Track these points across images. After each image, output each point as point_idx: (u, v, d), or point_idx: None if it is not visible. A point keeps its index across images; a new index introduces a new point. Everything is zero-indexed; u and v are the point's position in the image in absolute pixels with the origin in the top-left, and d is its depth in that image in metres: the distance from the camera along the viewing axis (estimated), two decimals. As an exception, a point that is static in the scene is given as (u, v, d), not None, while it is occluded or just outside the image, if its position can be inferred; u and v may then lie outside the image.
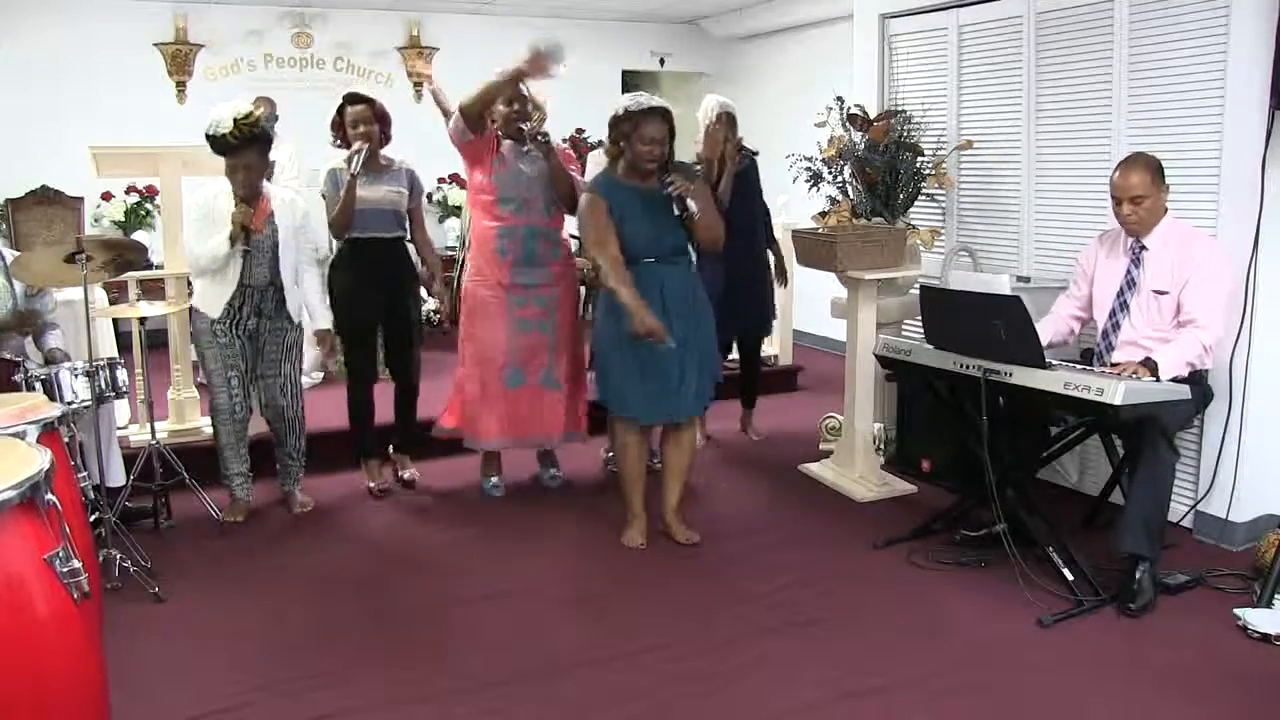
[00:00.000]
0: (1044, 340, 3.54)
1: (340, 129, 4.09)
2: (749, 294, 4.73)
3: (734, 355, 5.16)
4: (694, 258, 3.66)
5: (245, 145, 3.65)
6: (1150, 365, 3.19)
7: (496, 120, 3.97)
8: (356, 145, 3.95)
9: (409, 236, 4.25)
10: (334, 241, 4.26)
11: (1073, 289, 3.69)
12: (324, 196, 4.06)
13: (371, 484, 4.31)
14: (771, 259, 5.02)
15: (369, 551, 3.71)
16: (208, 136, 3.66)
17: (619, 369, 3.55)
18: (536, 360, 4.04)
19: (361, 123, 4.01)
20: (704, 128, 4.62)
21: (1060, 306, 3.70)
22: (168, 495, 3.91)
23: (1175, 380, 3.19)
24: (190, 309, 3.93)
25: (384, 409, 4.35)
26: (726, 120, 4.60)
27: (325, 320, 4.05)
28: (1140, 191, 3.33)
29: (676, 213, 3.49)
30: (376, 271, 4.10)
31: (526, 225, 3.99)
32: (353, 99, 4.09)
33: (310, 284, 3.98)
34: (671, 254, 3.57)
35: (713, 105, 4.65)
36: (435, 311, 4.45)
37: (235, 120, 3.60)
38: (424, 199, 4.34)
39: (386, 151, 4.15)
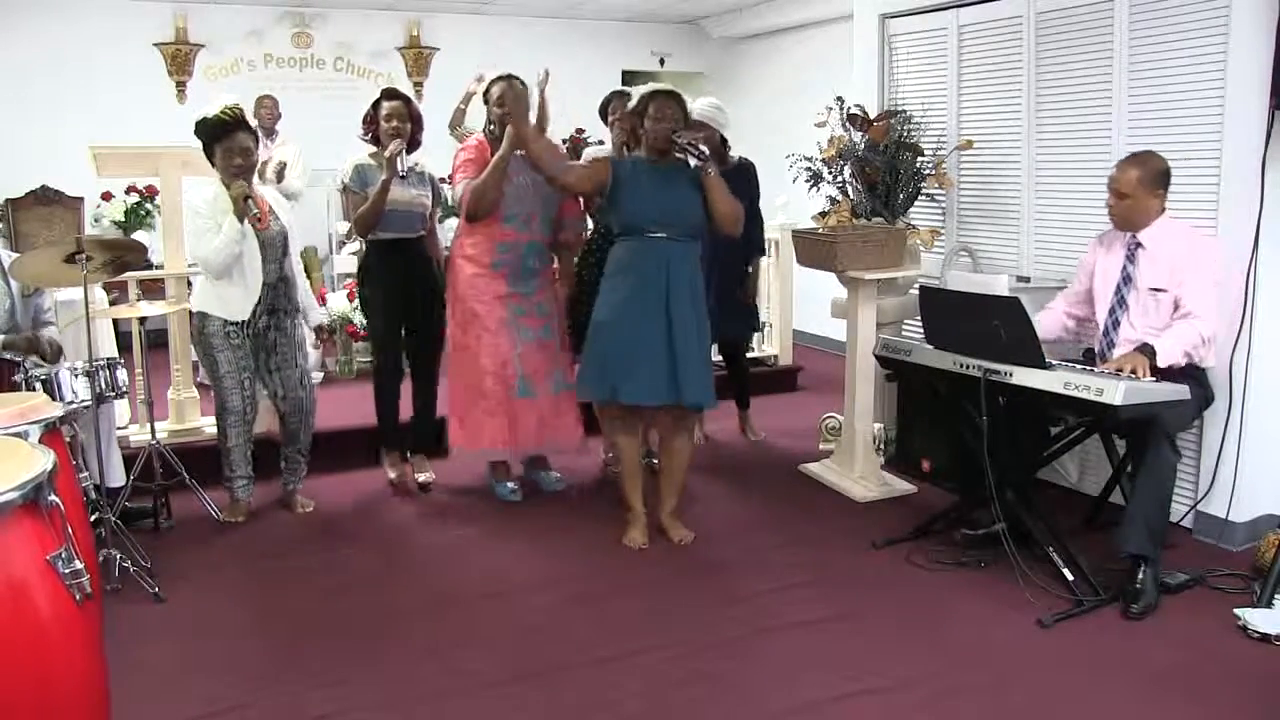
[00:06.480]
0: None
1: (373, 123, 4.08)
2: (727, 297, 4.65)
3: (715, 357, 5.13)
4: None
5: (237, 127, 3.71)
6: (1148, 351, 3.20)
7: (492, 122, 3.94)
8: (395, 145, 3.91)
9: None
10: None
11: (1070, 286, 3.69)
12: (348, 191, 4.06)
13: (392, 474, 4.33)
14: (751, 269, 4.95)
15: (369, 551, 3.71)
16: (199, 125, 3.71)
17: (613, 349, 3.49)
18: (545, 368, 4.02)
19: (396, 118, 3.99)
20: None
21: (1055, 303, 3.70)
22: (168, 495, 3.91)
23: (1173, 373, 3.19)
24: (195, 312, 3.87)
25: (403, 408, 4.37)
26: (696, 127, 4.58)
27: (321, 315, 4.07)
28: (1124, 189, 3.37)
29: (690, 164, 3.47)
30: (408, 271, 4.12)
31: (528, 242, 3.98)
32: (390, 94, 4.09)
33: (301, 283, 4.00)
34: (682, 232, 3.53)
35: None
36: None
37: (224, 107, 3.71)
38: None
39: (413, 156, 4.12)
